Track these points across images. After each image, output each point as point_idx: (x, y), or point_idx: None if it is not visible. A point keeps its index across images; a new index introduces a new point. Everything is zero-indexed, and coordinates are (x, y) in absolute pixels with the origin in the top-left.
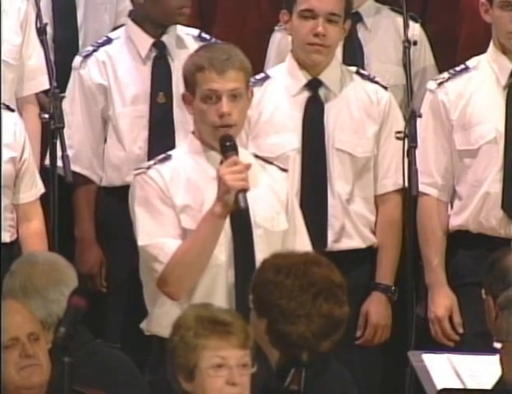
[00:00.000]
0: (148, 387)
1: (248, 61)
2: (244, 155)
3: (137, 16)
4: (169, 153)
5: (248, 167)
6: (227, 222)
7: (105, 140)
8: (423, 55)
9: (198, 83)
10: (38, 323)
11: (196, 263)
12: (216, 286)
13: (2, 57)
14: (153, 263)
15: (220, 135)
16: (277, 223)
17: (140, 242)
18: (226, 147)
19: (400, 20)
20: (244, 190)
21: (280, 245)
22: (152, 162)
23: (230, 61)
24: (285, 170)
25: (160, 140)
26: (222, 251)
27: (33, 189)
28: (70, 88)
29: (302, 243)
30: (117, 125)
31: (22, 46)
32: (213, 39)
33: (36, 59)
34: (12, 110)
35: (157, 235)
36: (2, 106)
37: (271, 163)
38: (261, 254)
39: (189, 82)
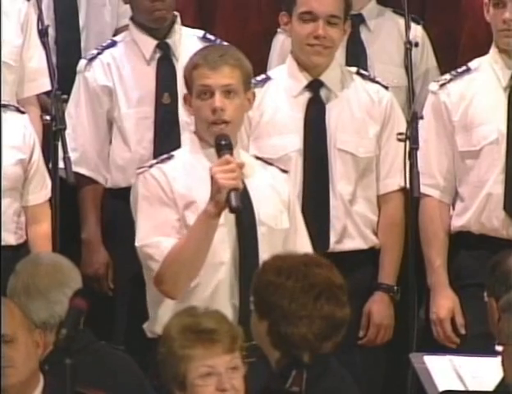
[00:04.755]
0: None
1: (246, 61)
2: (245, 157)
3: (138, 19)
4: (172, 153)
5: (241, 166)
6: (232, 219)
7: (110, 142)
8: (426, 57)
9: (193, 80)
10: (19, 325)
11: (191, 261)
12: (220, 285)
13: (3, 59)
14: (149, 262)
15: (215, 133)
16: (280, 221)
17: (137, 243)
18: (221, 145)
19: (402, 21)
20: (236, 189)
21: (281, 243)
22: (154, 161)
23: (224, 57)
24: (285, 171)
25: (165, 141)
26: (226, 249)
27: (42, 191)
28: (75, 90)
29: (302, 243)
30: (122, 126)
31: (23, 47)
32: (218, 40)
33: (37, 61)
34: (22, 112)
35: (154, 234)
36: (11, 108)
37: (271, 164)
38: (264, 252)
39: (188, 81)
